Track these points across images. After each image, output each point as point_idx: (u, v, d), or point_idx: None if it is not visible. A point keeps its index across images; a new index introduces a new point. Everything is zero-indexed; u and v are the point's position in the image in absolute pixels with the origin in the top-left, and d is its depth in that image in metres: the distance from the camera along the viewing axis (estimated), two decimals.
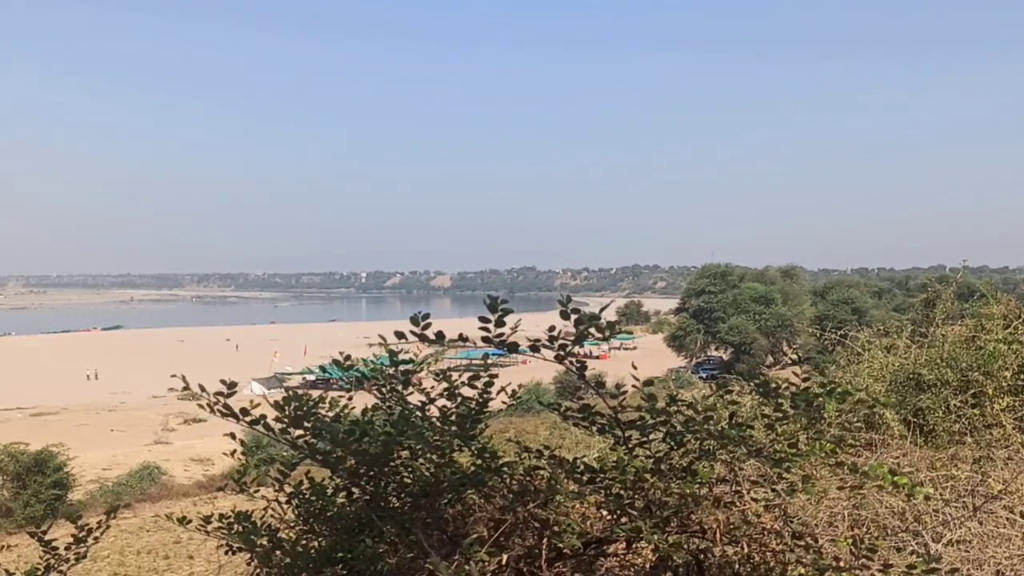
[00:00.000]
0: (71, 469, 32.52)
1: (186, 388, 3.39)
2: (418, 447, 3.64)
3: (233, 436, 4.10)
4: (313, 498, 3.85)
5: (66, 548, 3.99)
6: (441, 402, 3.86)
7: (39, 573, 3.86)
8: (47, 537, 4.00)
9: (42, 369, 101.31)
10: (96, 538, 4.06)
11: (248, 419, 3.40)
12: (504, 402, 3.91)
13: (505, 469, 3.55)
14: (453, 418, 3.72)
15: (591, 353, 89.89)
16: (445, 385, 3.87)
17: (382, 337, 3.75)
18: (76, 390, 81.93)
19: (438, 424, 3.70)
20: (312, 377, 75.12)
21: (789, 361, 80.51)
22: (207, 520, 3.86)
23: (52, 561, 3.93)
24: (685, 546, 3.19)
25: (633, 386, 3.38)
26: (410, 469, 3.69)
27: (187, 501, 29.06)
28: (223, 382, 3.43)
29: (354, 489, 3.79)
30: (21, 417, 66.72)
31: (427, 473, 3.61)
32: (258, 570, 3.75)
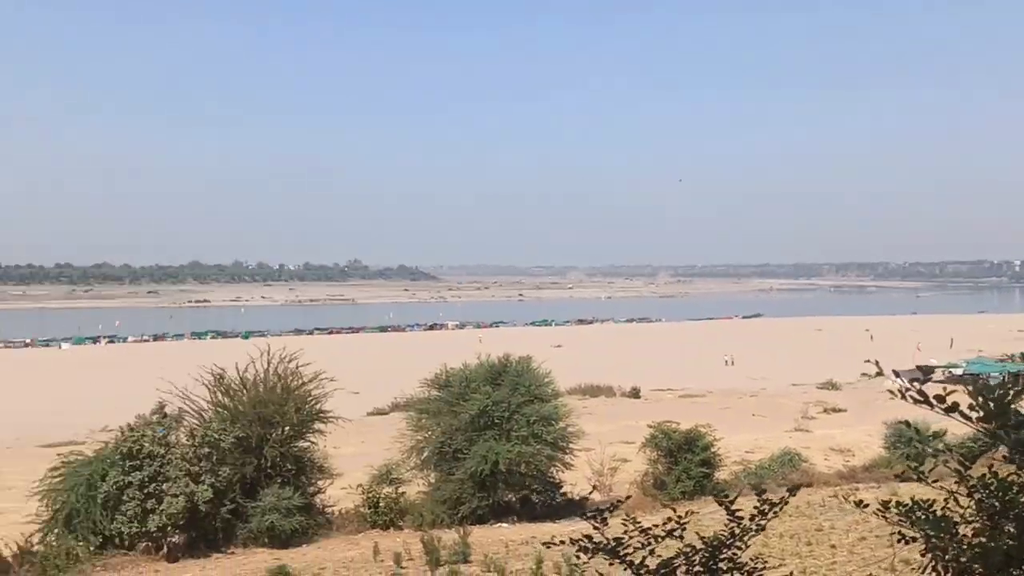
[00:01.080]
0: (717, 449, 34.53)
1: (879, 373, 3.45)
2: None
3: (908, 424, 4.07)
4: (1000, 494, 3.66)
5: (751, 518, 4.28)
6: None
7: (724, 538, 4.22)
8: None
9: (687, 354, 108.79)
10: (776, 513, 4.31)
11: (943, 406, 3.36)
12: None
13: None
14: None
15: None
16: None
17: None
18: (717, 375, 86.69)
19: None
20: (958, 371, 70.86)
21: None
22: (885, 505, 3.89)
23: (736, 529, 4.26)
24: None
25: None
26: None
27: (828, 490, 29.12)
28: (919, 367, 3.43)
29: None
30: (671, 398, 72.59)
31: None
32: (932, 563, 3.68)
